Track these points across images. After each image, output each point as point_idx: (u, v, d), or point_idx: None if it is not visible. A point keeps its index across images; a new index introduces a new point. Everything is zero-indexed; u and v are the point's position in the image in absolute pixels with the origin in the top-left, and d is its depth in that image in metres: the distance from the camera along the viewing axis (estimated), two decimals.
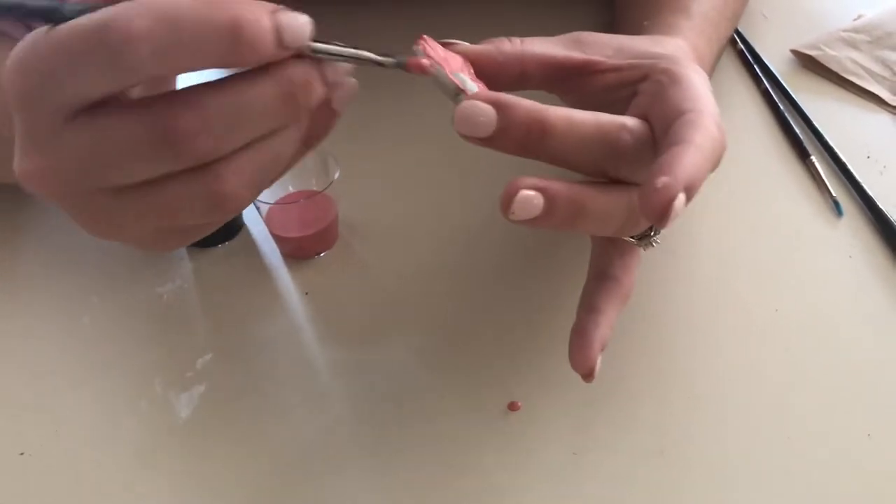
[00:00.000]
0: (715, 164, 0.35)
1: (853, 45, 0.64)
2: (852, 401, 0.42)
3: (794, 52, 0.64)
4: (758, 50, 0.65)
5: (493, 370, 0.44)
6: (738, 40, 0.66)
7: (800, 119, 0.59)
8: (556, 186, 0.33)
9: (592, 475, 0.39)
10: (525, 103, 0.33)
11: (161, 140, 0.27)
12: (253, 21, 0.26)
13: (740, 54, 0.65)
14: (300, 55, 0.29)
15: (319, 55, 0.29)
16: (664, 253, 0.50)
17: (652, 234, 0.40)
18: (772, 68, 0.63)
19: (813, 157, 0.55)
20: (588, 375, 0.37)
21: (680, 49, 0.42)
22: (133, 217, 0.30)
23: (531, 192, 0.33)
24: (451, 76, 0.34)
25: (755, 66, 0.64)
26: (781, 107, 0.60)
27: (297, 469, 0.40)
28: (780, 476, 0.39)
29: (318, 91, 0.30)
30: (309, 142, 0.33)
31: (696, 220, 0.52)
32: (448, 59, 0.35)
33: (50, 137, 0.28)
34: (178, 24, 0.26)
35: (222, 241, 0.52)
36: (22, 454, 0.42)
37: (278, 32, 0.27)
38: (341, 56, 0.30)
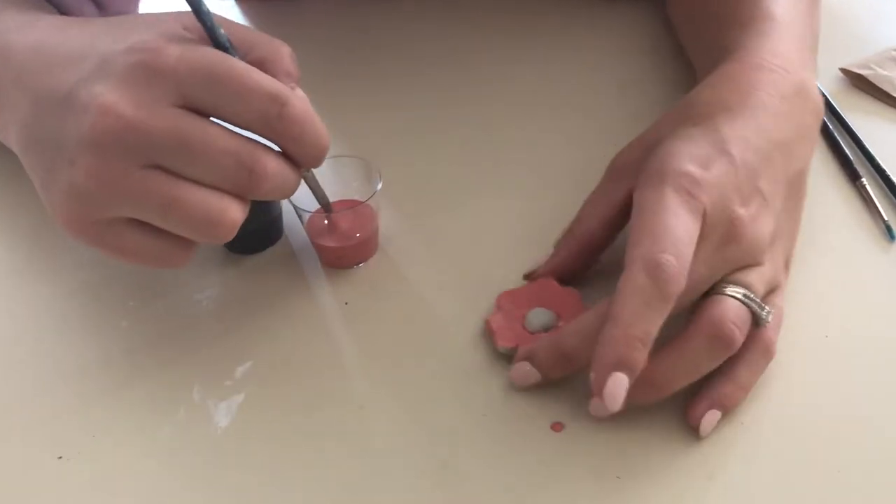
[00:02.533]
0: (656, 302, 0.37)
1: None
2: None
3: (844, 70, 0.63)
4: None
5: (535, 389, 0.43)
6: None
7: (850, 140, 0.58)
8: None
9: (638, 500, 0.38)
10: (540, 343, 0.42)
11: (249, 164, 0.38)
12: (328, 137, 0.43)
13: None
14: None
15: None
16: None
17: (763, 312, 0.41)
18: (821, 87, 0.62)
19: (864, 179, 0.54)
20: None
21: (695, 103, 0.46)
22: (140, 192, 0.37)
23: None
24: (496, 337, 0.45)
25: None
26: (831, 127, 0.58)
27: (336, 483, 0.40)
28: None
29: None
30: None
31: None
32: (519, 307, 0.46)
33: (156, 104, 0.36)
34: (316, 128, 0.41)
35: (262, 249, 0.52)
36: (60, 458, 0.42)
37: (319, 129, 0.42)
38: (309, 182, 0.46)
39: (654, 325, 0.37)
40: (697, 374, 0.40)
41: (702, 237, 0.40)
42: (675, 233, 0.38)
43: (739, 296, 0.40)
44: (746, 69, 0.48)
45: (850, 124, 0.58)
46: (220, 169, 0.37)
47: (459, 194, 0.56)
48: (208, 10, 0.38)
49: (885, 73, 0.62)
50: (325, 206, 0.47)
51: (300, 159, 0.41)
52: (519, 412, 0.42)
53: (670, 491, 0.39)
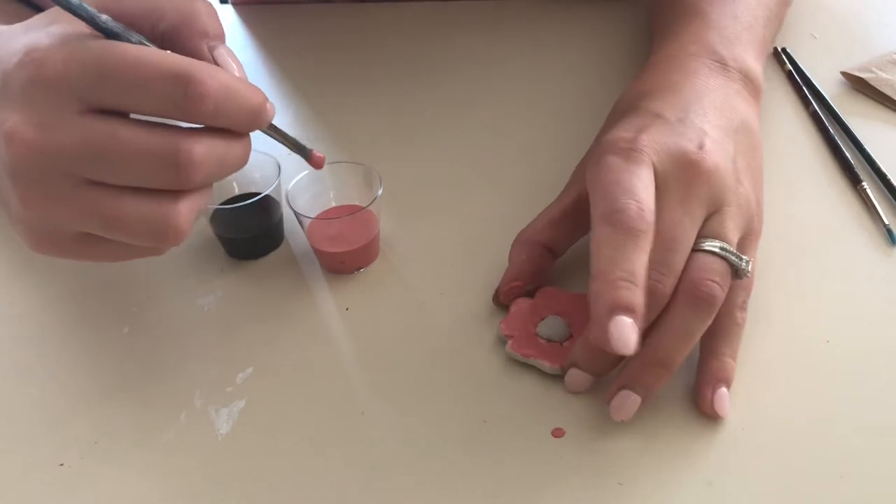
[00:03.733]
0: (624, 242, 0.38)
1: None
2: None
3: (845, 74, 0.63)
4: (806, 71, 0.64)
5: (537, 395, 0.43)
6: (787, 61, 0.65)
7: (850, 143, 0.58)
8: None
9: None
10: (577, 348, 0.43)
11: (172, 158, 0.34)
12: (271, 107, 0.38)
13: (789, 75, 0.64)
14: None
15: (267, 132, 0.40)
16: None
17: (742, 263, 0.41)
18: (821, 90, 0.62)
19: (864, 184, 0.54)
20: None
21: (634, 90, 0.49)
22: (78, 213, 0.35)
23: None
24: (514, 348, 0.45)
25: (804, 88, 0.63)
26: (831, 130, 0.58)
27: (336, 489, 0.40)
28: None
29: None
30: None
31: None
32: (521, 319, 0.46)
33: (58, 118, 0.33)
34: (236, 94, 0.35)
35: (263, 254, 0.52)
36: (62, 465, 0.42)
37: (264, 113, 0.37)
38: (277, 135, 0.42)
39: (632, 263, 0.38)
40: (692, 338, 0.40)
41: (663, 189, 0.40)
42: (625, 184, 0.39)
43: (716, 249, 0.41)
44: (667, 58, 0.51)
45: (851, 128, 0.58)
46: (144, 171, 0.34)
47: (460, 199, 0.56)
48: (79, 2, 0.34)
49: (886, 76, 0.62)
50: (299, 149, 0.43)
51: (234, 130, 0.37)
52: (520, 418, 0.42)
53: (671, 497, 0.39)
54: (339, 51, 0.72)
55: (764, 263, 0.49)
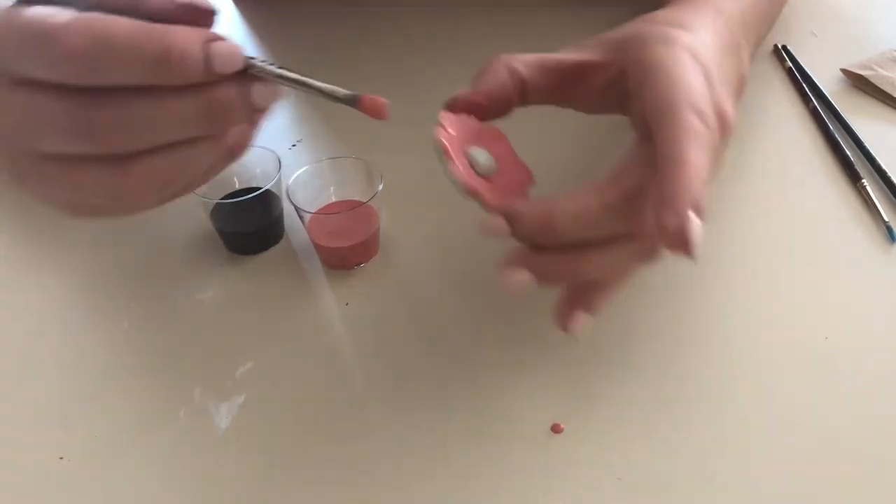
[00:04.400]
0: (714, 152, 0.36)
1: None
2: None
3: (845, 71, 0.63)
4: (807, 68, 0.64)
5: (535, 390, 0.43)
6: (787, 58, 0.65)
7: (850, 140, 0.58)
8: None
9: (638, 501, 0.38)
10: (530, 211, 0.37)
11: (80, 126, 0.31)
12: (182, 51, 0.30)
13: (789, 72, 0.64)
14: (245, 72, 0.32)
15: (266, 75, 0.32)
16: (711, 280, 0.49)
17: None
18: (821, 87, 0.62)
19: (864, 181, 0.54)
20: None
21: (671, 22, 0.42)
22: (51, 184, 0.33)
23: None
24: (462, 176, 0.39)
25: (804, 85, 0.63)
26: (831, 127, 0.58)
27: (336, 482, 0.40)
28: None
29: (239, 114, 0.32)
30: (233, 152, 0.36)
31: (742, 246, 0.51)
32: (462, 134, 0.40)
33: None
34: (113, 47, 0.29)
35: (263, 249, 0.52)
36: (61, 458, 0.42)
37: (208, 60, 0.30)
38: (286, 80, 0.33)
39: (708, 172, 0.35)
40: (618, 268, 0.39)
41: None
42: (702, 91, 0.38)
43: None
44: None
45: (851, 125, 0.58)
46: (61, 141, 0.31)
47: (459, 195, 0.56)
48: None
49: (886, 73, 0.62)
50: (342, 99, 0.35)
51: (139, 83, 0.31)
52: (519, 414, 0.42)
53: (670, 492, 0.39)
54: (339, 46, 0.71)
55: (763, 260, 0.49)
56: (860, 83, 0.62)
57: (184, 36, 0.30)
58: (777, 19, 0.64)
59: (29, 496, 0.41)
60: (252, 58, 0.32)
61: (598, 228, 0.37)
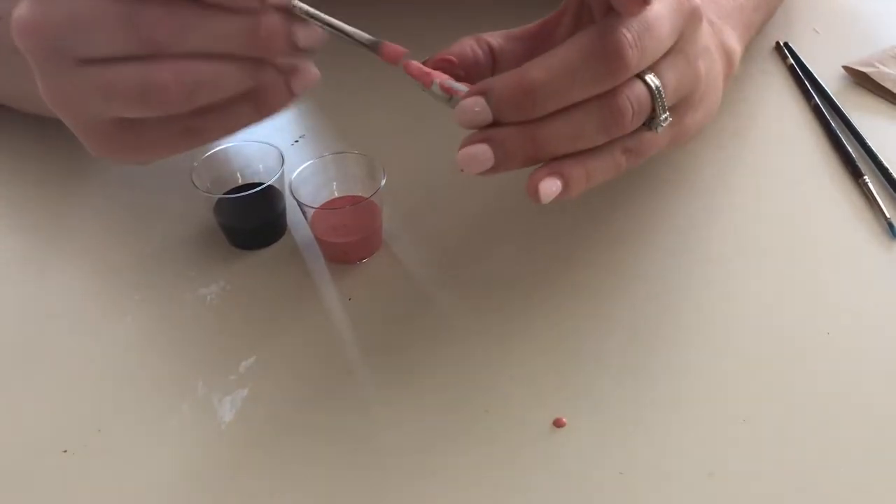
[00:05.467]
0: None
1: None
2: None
3: (847, 68, 0.63)
4: (808, 65, 0.64)
5: (538, 385, 0.43)
6: (789, 55, 0.65)
7: (852, 137, 0.58)
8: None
9: (639, 496, 0.39)
10: (502, 79, 0.36)
11: (126, 21, 0.32)
12: None
13: (791, 69, 0.64)
14: (286, 10, 0.34)
15: (304, 15, 0.35)
16: (713, 274, 0.49)
17: (661, 116, 0.38)
18: (823, 84, 0.62)
19: (866, 177, 0.54)
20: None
21: None
22: (85, 90, 0.34)
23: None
24: (442, 84, 0.38)
25: (806, 82, 0.63)
26: (833, 124, 0.58)
27: (338, 477, 0.40)
28: (832, 502, 0.38)
29: (280, 44, 0.34)
30: (261, 110, 0.37)
31: (743, 242, 0.51)
32: (432, 74, 0.39)
33: None
34: None
35: (266, 244, 0.52)
36: (65, 451, 0.42)
37: None
38: (322, 22, 0.36)
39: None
40: (577, 142, 0.37)
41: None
42: None
43: (653, 86, 0.38)
44: None
45: (853, 122, 0.58)
46: (107, 40, 0.33)
47: (463, 191, 0.56)
48: None
49: (888, 70, 0.62)
50: (364, 43, 0.39)
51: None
52: (521, 408, 0.42)
53: (671, 487, 0.39)
54: (343, 43, 0.71)
55: (764, 256, 0.50)
56: (862, 80, 0.62)
57: None
58: (773, 14, 0.64)
59: (33, 490, 0.41)
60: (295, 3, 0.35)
61: (579, 84, 0.36)
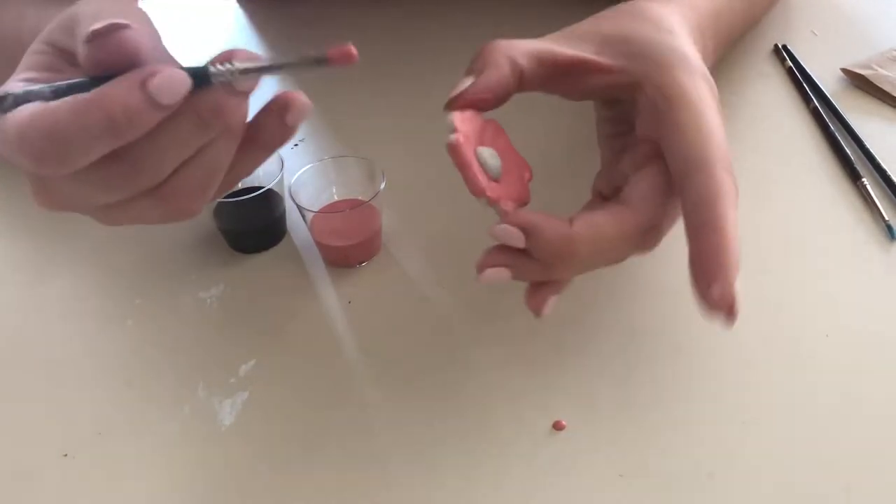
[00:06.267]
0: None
1: None
2: None
3: (845, 70, 0.63)
4: (807, 68, 0.64)
5: (538, 387, 0.44)
6: (787, 57, 0.65)
7: (850, 139, 0.58)
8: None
9: (640, 498, 0.39)
10: (550, 232, 0.37)
11: (102, 185, 0.32)
12: (123, 107, 0.29)
13: (789, 72, 0.65)
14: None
15: (231, 78, 0.31)
16: None
17: None
18: (821, 87, 0.62)
19: (864, 179, 0.54)
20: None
21: (668, 28, 0.43)
22: (115, 217, 0.35)
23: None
24: (475, 172, 0.38)
25: (804, 84, 0.63)
26: (832, 126, 0.59)
27: (339, 479, 0.40)
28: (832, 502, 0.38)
29: (231, 108, 0.32)
30: (266, 148, 0.36)
31: (742, 245, 0.51)
32: (470, 133, 0.39)
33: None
34: (66, 138, 0.29)
35: (266, 248, 0.53)
36: (65, 455, 0.42)
37: (153, 101, 0.29)
38: (252, 72, 0.31)
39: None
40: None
41: None
42: (724, 139, 0.39)
43: None
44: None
45: (851, 124, 0.58)
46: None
47: (462, 194, 0.56)
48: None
49: (886, 73, 0.62)
50: (312, 62, 0.33)
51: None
52: (521, 411, 0.43)
53: (671, 488, 0.39)
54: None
55: (763, 259, 0.50)
56: (860, 82, 0.63)
57: (118, 92, 0.29)
58: (759, 20, 0.64)
59: (33, 493, 0.41)
60: (214, 62, 0.31)
61: (610, 255, 0.39)
